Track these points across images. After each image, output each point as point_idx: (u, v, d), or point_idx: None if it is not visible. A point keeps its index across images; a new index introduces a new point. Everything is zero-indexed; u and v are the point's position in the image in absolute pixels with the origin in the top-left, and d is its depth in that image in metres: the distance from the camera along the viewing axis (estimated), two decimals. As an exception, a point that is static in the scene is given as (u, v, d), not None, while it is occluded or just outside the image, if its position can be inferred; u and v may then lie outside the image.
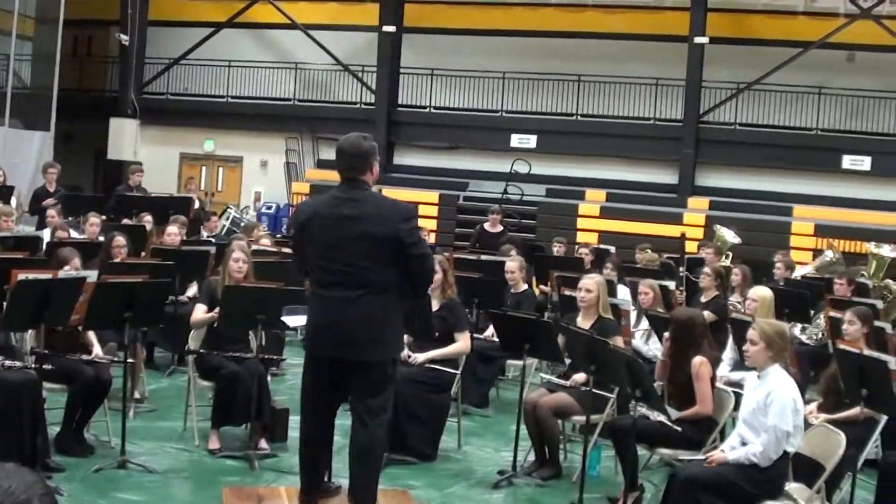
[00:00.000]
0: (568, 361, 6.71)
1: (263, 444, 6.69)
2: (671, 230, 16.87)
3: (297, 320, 5.70)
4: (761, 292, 7.83)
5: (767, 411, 5.13)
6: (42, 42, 20.71)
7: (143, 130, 23.23)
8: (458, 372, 7.11)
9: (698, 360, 5.89)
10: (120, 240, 8.44)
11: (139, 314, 6.32)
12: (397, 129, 22.40)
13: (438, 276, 6.93)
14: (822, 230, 18.11)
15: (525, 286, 9.08)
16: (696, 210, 19.26)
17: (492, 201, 18.09)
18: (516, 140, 21.40)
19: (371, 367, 4.98)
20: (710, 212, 18.86)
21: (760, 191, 19.59)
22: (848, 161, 19.39)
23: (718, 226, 14.65)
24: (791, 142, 19.56)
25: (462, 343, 7.05)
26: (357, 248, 4.88)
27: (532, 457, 6.85)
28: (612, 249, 12.95)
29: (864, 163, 19.33)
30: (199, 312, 7.04)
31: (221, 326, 6.87)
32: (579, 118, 21.13)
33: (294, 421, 7.22)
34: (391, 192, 18.40)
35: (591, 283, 6.89)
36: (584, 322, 6.84)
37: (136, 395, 7.62)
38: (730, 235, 13.70)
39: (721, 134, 20.23)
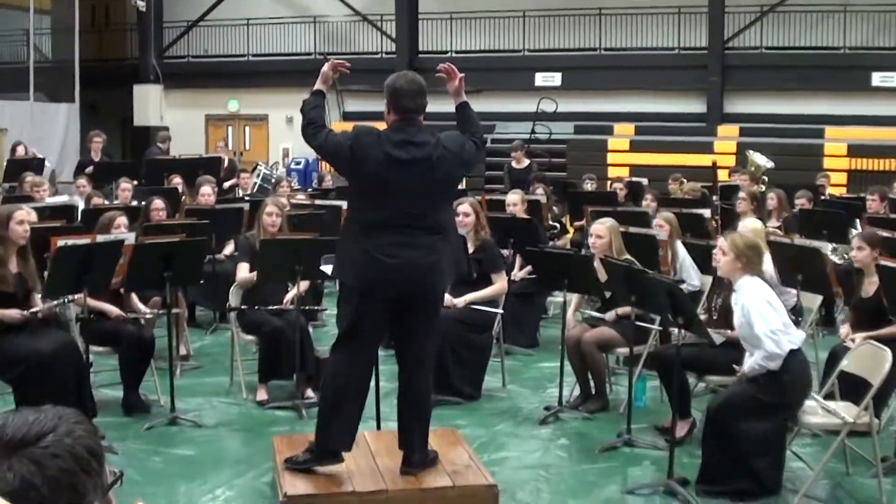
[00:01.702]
0: (608, 295, 6.65)
1: (310, 393, 6.75)
2: (702, 160, 16.66)
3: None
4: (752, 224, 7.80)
5: (751, 321, 5.19)
6: (60, 14, 20.68)
7: (167, 95, 23.25)
8: (499, 311, 7.10)
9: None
10: (158, 203, 8.49)
11: (178, 273, 6.38)
12: (420, 77, 21.82)
13: (471, 219, 6.96)
14: (854, 150, 17.92)
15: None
16: (727, 138, 19.02)
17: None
18: (541, 79, 21.20)
19: (434, 302, 4.91)
20: (741, 139, 18.64)
21: (790, 114, 19.26)
22: (878, 78, 19.01)
23: (751, 151, 14.42)
24: (819, 62, 19.19)
25: (499, 284, 7.04)
26: (429, 192, 4.75)
27: (577, 392, 6.87)
28: (645, 182, 12.93)
29: (895, 79, 18.91)
30: (244, 271, 7.08)
31: (261, 281, 6.90)
32: (603, 52, 20.87)
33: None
34: None
35: (602, 228, 6.82)
36: (599, 269, 6.75)
37: (182, 353, 7.68)
38: (762, 160, 13.53)
39: (747, 59, 19.91)
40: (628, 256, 6.75)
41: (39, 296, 6.01)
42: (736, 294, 5.41)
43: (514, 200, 9.12)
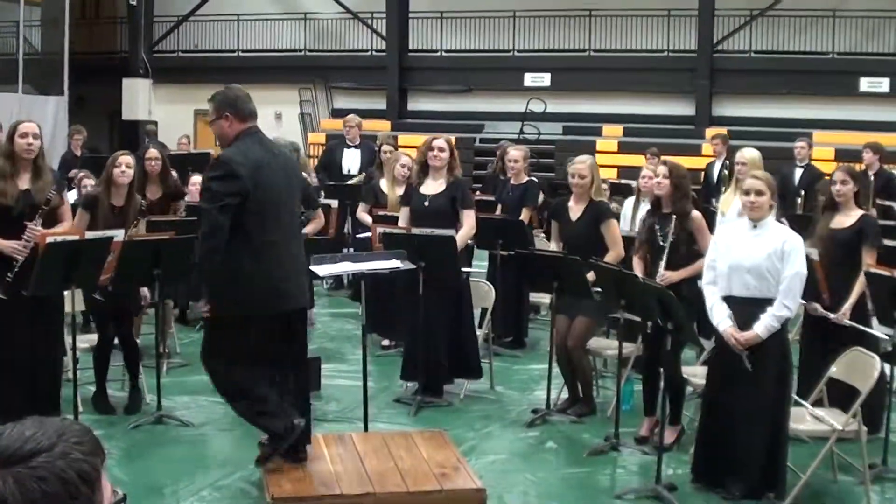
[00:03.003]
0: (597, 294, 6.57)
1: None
2: (691, 162, 16.54)
3: (326, 269, 5.68)
4: (749, 154, 7.86)
5: (787, 259, 5.14)
6: (50, 7, 20.57)
7: (157, 89, 23.12)
8: (470, 269, 7.20)
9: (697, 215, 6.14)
10: (153, 152, 8.38)
11: (168, 270, 6.35)
12: (410, 75, 22.20)
13: (445, 154, 6.99)
14: (842, 155, 17.63)
15: (527, 177, 8.86)
16: (711, 142, 18.79)
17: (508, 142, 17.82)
18: (530, 79, 21.22)
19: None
20: (729, 142, 18.30)
21: (779, 118, 19.25)
22: (866, 84, 19.06)
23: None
24: (807, 67, 19.23)
25: (469, 222, 7.01)
26: (295, 197, 5.17)
27: (566, 394, 6.85)
28: (634, 184, 12.84)
29: (882, 84, 19.01)
30: None
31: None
32: (592, 54, 20.88)
33: (327, 369, 7.35)
34: (407, 138, 18.30)
35: (583, 167, 6.83)
36: (576, 208, 6.84)
37: (161, 350, 7.57)
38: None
39: (736, 62, 19.93)
40: (604, 200, 6.99)
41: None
42: (760, 230, 5.25)
43: (516, 157, 8.83)
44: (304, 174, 7.41)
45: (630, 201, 8.58)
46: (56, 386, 6.02)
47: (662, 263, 6.01)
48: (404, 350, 7.25)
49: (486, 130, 20.87)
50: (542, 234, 8.90)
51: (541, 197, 9.04)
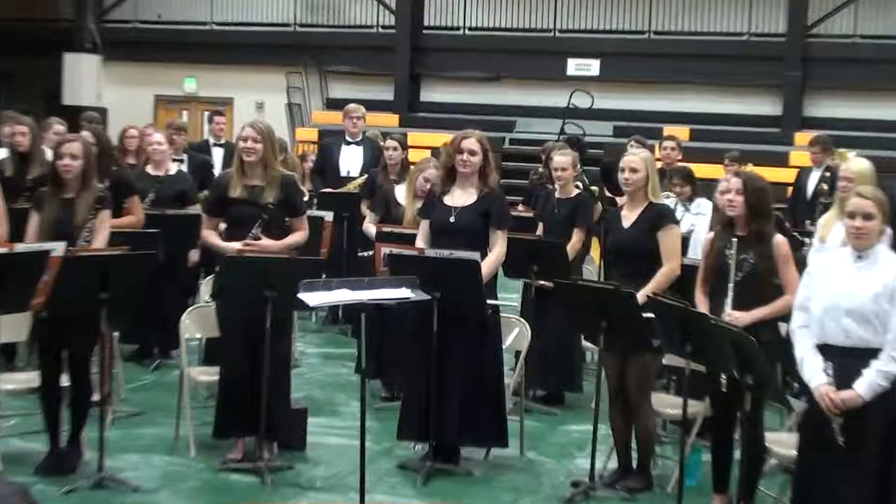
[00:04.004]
0: (656, 343, 6.42)
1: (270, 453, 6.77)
2: (775, 174, 16.38)
3: (318, 298, 5.61)
4: (858, 166, 7.73)
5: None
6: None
7: (108, 68, 23.00)
8: (497, 302, 7.09)
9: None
10: (132, 132, 8.84)
11: (118, 295, 6.26)
12: (424, 58, 22.08)
13: (477, 159, 6.98)
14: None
15: (577, 189, 8.88)
16: (807, 148, 18.27)
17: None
18: (574, 66, 20.98)
19: None
20: (834, 150, 18.08)
21: (889, 120, 19.08)
22: None
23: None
24: (927, 56, 19.32)
25: (500, 248, 6.99)
26: None
27: (614, 463, 6.77)
28: (701, 205, 12.73)
29: None
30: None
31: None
32: (653, 36, 20.78)
33: (315, 424, 7.29)
34: (417, 136, 18.32)
35: (637, 160, 6.81)
36: (629, 212, 6.82)
37: (97, 398, 7.34)
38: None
39: (836, 50, 19.72)
40: (663, 202, 6.95)
41: None
42: (867, 261, 5.21)
43: (563, 163, 8.79)
44: (295, 178, 7.39)
45: (703, 221, 8.52)
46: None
47: (729, 300, 5.94)
48: (403, 398, 7.22)
49: (517, 129, 20.70)
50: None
51: (596, 212, 9.03)
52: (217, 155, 11.78)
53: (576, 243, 8.55)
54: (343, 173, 11.16)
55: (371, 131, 11.79)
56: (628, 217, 6.82)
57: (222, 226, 7.22)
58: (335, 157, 11.34)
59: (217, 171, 10.73)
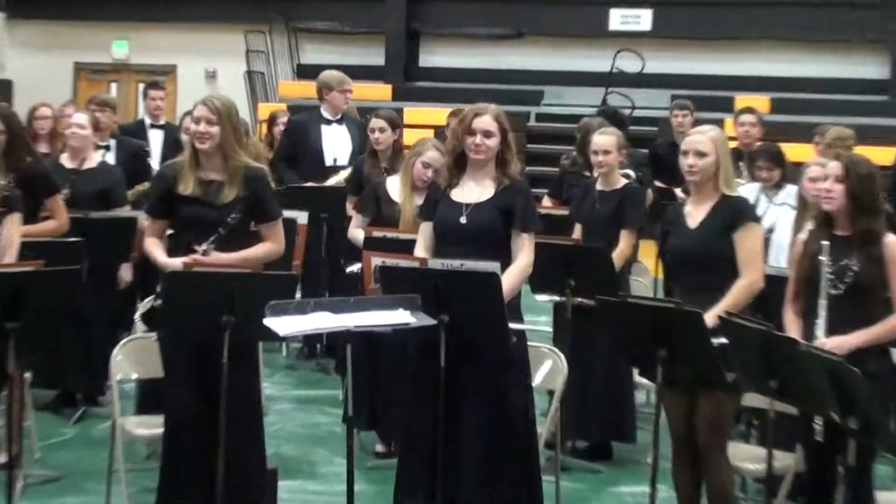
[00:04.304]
0: (731, 377, 6.32)
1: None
2: (884, 155, 16.23)
3: (290, 325, 5.53)
4: None
5: None
6: None
7: (12, 28, 23.05)
8: (523, 327, 6.88)
9: None
10: (45, 111, 9.19)
11: (30, 325, 6.21)
12: (422, 10, 21.92)
13: (494, 141, 6.76)
14: None
15: (626, 180, 8.73)
16: None
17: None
18: (619, 19, 20.91)
19: None
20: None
21: None
22: None
23: None
24: None
25: (526, 255, 6.78)
26: None
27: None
28: (788, 191, 12.60)
29: None
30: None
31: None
32: (722, -22, 20.09)
33: (287, 489, 7.26)
34: (416, 113, 18.24)
35: (704, 140, 6.60)
36: (696, 208, 6.59)
37: (3, 459, 7.25)
38: None
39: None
40: (739, 194, 6.71)
41: None
42: None
43: (607, 145, 8.60)
44: (265, 171, 7.13)
45: (786, 216, 8.39)
46: None
47: (821, 321, 5.91)
48: (402, 450, 7.03)
49: (545, 102, 20.40)
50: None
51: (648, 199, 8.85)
52: (155, 140, 11.48)
53: (624, 249, 8.34)
54: (329, 161, 10.95)
55: (349, 106, 11.47)
56: (694, 214, 6.59)
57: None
58: (315, 140, 11.07)
59: (154, 161, 10.58)
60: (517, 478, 6.72)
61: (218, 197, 6.66)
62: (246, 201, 6.69)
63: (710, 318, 6.13)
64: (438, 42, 22.35)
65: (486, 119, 6.74)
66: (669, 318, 6.23)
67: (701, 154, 6.50)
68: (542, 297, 8.46)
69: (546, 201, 10.61)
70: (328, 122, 11.05)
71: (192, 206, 6.67)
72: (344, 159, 10.80)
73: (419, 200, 7.62)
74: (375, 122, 9.63)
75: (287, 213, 8.23)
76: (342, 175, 10.50)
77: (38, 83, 20.77)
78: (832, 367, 5.24)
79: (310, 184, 10.49)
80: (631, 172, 9.00)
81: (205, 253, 6.60)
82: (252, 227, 6.81)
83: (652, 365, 6.34)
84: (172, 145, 10.90)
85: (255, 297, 5.76)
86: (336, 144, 10.98)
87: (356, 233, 8.54)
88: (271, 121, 12.61)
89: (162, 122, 11.79)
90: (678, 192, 10.40)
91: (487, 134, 6.70)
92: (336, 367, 9.84)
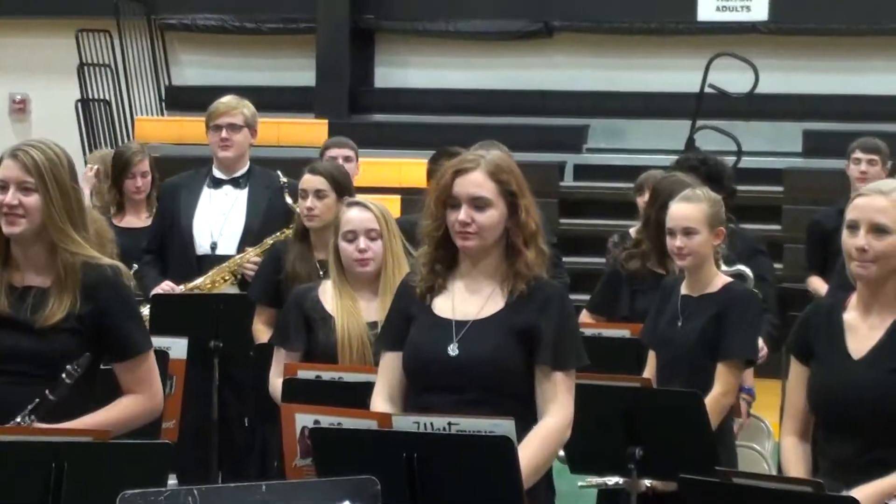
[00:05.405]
0: None
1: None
2: None
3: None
4: None
5: None
6: None
7: None
8: None
9: None
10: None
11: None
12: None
13: (494, 216, 5.29)
14: None
15: (728, 278, 7.16)
16: None
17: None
18: (714, 5, 16.35)
19: None
20: None
21: None
22: None
23: None
24: None
25: (564, 409, 5.48)
26: None
27: None
28: None
29: None
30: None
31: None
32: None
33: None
34: (370, 162, 14.03)
35: (883, 202, 5.42)
36: (867, 317, 5.68)
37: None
38: None
39: None
40: None
41: None
42: None
43: (693, 219, 7.40)
44: (118, 268, 6.00)
45: None
46: None
47: None
48: None
49: (590, 144, 15.94)
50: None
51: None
52: None
53: (729, 390, 7.09)
54: (204, 248, 8.75)
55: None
56: (863, 331, 5.41)
57: None
58: (186, 213, 8.98)
59: None
60: None
61: (38, 314, 5.26)
62: (86, 322, 5.27)
63: (869, 499, 5.00)
64: (405, 46, 17.75)
65: (476, 177, 5.29)
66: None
67: (882, 230, 5.17)
68: (588, 481, 7.47)
69: (585, 316, 8.52)
70: (217, 182, 8.92)
71: None
72: (232, 245, 8.68)
73: (372, 312, 6.38)
74: (309, 182, 7.71)
75: (156, 342, 6.92)
76: (239, 260, 8.64)
77: None
78: None
79: (181, 288, 8.77)
80: (745, 269, 7.76)
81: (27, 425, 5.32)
82: (103, 366, 5.44)
83: None
84: None
85: (101, 479, 4.88)
86: (220, 220, 8.85)
87: (273, 378, 7.00)
88: (124, 165, 10.57)
89: None
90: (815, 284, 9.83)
91: (479, 204, 5.17)
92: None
